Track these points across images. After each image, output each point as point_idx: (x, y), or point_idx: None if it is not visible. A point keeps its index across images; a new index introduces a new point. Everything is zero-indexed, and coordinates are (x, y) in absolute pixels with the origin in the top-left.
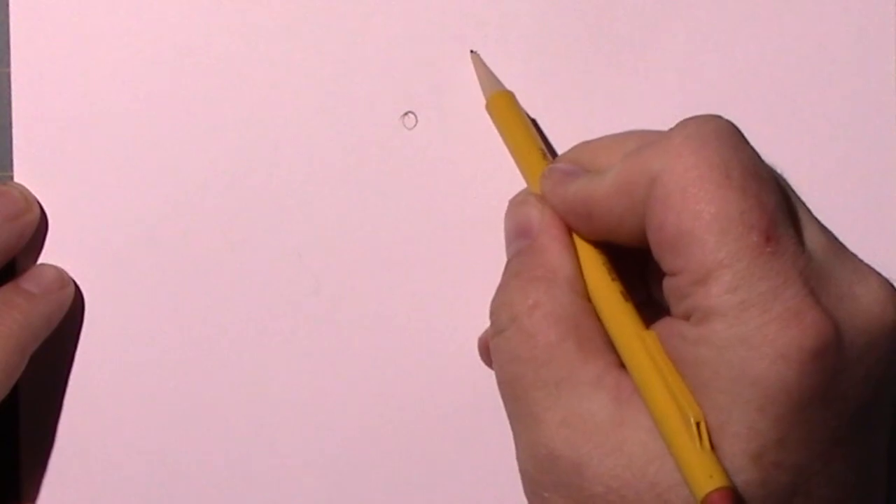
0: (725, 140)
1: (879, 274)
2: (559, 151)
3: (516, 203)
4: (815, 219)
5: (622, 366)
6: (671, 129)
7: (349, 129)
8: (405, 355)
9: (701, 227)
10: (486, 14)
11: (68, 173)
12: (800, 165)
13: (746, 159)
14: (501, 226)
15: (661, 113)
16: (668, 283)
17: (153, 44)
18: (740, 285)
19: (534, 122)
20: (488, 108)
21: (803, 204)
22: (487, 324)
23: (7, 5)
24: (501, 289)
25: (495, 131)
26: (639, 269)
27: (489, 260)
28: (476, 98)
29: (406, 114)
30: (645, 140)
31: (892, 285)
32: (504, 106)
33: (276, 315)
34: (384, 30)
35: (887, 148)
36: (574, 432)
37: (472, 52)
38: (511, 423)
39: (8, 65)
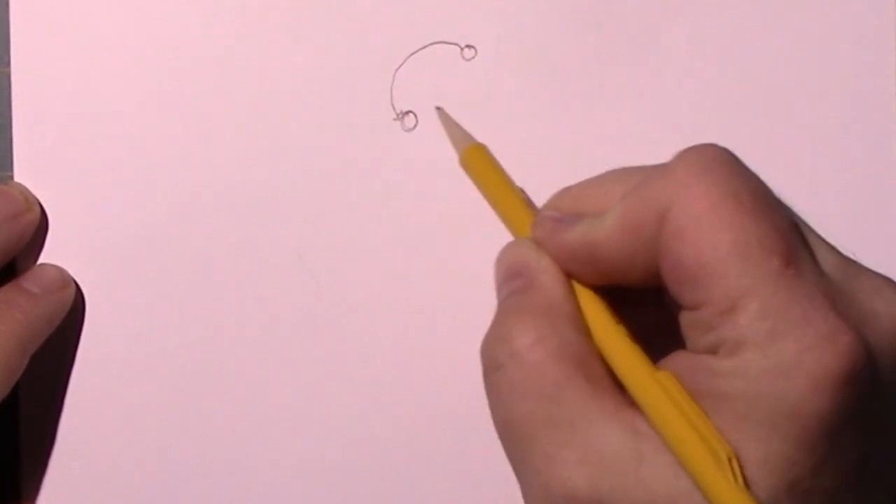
0: (729, 166)
1: (892, 281)
2: (565, 154)
3: (509, 246)
4: (823, 239)
5: (634, 405)
6: (670, 162)
7: (349, 129)
8: (406, 357)
9: (721, 256)
10: (486, 14)
11: (68, 173)
12: (800, 165)
13: (753, 184)
14: (502, 226)
15: (662, 113)
16: (688, 318)
17: (152, 44)
18: (769, 312)
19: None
20: (462, 163)
21: (808, 226)
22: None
23: (7, 5)
24: (496, 326)
25: (495, 131)
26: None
27: (490, 260)
28: (475, 98)
29: (406, 113)
30: (635, 177)
31: None
32: (478, 160)
33: (277, 316)
34: (384, 30)
35: (887, 148)
36: (594, 470)
37: (437, 108)
38: (515, 465)
39: (8, 65)
